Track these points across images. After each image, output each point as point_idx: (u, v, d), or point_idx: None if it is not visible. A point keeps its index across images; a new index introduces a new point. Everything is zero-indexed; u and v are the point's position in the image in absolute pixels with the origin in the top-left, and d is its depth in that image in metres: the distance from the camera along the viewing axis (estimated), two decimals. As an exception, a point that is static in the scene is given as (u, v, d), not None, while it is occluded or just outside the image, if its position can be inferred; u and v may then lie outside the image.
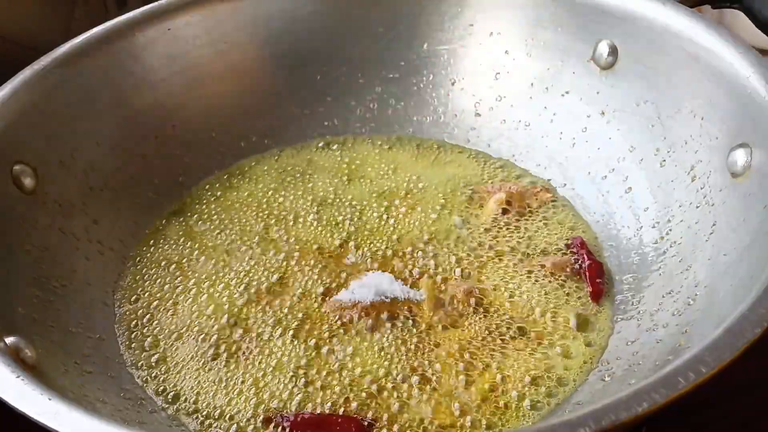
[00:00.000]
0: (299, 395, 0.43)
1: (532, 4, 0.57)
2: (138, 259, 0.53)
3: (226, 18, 0.59)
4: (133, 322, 0.48)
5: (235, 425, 0.42)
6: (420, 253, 0.51)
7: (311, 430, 0.41)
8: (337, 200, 0.56)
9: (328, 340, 0.46)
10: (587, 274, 0.48)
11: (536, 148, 0.57)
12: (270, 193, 0.57)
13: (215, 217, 0.56)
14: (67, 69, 0.52)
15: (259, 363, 0.45)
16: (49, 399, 0.33)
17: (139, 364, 0.46)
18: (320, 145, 0.61)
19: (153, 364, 0.46)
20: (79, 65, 0.53)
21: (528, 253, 0.51)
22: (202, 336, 0.47)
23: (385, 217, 0.54)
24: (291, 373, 0.44)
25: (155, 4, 0.57)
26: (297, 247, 0.53)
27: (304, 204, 0.56)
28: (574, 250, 0.50)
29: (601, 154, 0.54)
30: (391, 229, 0.53)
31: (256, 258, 0.52)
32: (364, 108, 0.62)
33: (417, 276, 0.49)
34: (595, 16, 0.54)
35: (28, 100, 0.50)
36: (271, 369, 0.44)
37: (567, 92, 0.56)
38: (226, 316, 0.48)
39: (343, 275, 0.50)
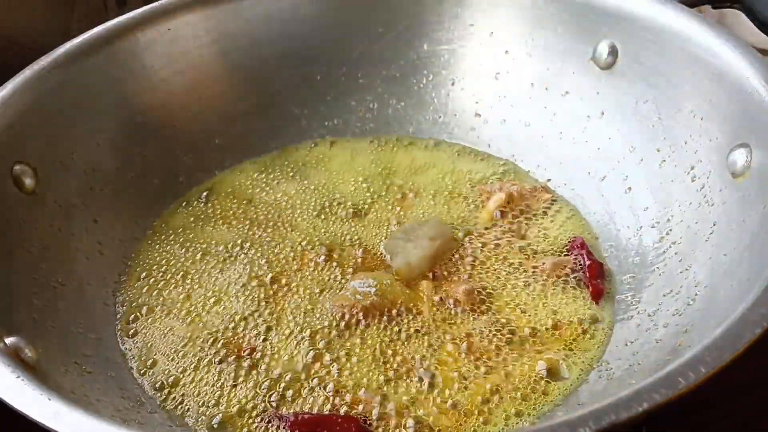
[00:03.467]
0: (299, 395, 0.43)
1: (532, 4, 0.57)
2: (138, 259, 0.53)
3: (226, 18, 0.59)
4: (133, 322, 0.48)
5: (235, 425, 0.42)
6: (420, 253, 0.51)
7: (311, 430, 0.41)
8: (338, 200, 0.56)
9: (328, 340, 0.46)
10: (587, 274, 0.48)
11: (536, 148, 0.57)
12: (270, 193, 0.57)
13: (215, 217, 0.56)
14: (67, 69, 0.52)
15: (260, 363, 0.45)
16: (49, 399, 0.33)
17: (139, 364, 0.46)
18: (320, 145, 0.62)
19: (153, 364, 0.46)
20: (79, 65, 0.53)
21: (528, 253, 0.51)
22: (202, 336, 0.47)
23: (385, 216, 0.54)
24: (291, 373, 0.44)
25: (155, 4, 0.57)
26: (298, 246, 0.52)
27: (305, 204, 0.56)
28: (574, 250, 0.50)
29: (601, 154, 0.54)
30: (392, 228, 0.53)
31: (257, 258, 0.52)
32: (364, 108, 0.62)
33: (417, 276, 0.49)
34: (594, 17, 0.54)
35: (28, 100, 0.50)
36: (271, 369, 0.44)
37: (567, 92, 0.56)
38: (226, 315, 0.48)
39: (344, 275, 0.50)
